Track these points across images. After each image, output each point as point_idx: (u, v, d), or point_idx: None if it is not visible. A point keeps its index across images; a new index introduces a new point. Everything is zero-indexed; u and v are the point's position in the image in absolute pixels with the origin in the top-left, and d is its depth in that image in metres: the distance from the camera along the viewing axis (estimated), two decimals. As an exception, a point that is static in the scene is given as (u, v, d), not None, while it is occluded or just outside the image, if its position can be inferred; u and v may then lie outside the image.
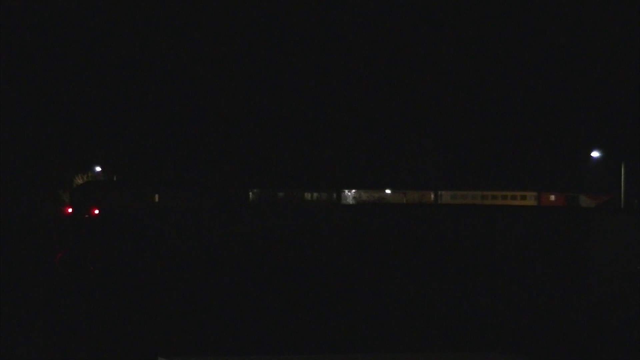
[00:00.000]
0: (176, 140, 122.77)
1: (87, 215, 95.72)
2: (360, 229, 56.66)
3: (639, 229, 39.06)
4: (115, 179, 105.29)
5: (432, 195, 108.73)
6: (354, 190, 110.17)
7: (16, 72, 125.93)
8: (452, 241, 47.61)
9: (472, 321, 30.12)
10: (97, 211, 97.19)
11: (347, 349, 24.09)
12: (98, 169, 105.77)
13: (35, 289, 37.54)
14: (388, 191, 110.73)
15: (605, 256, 38.34)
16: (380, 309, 33.11)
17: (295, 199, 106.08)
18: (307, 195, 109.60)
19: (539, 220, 46.13)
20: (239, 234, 72.90)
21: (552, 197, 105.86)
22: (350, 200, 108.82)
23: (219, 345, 24.96)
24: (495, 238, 45.45)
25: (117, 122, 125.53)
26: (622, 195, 60.26)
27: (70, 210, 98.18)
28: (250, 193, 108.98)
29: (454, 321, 30.15)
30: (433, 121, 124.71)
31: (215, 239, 70.21)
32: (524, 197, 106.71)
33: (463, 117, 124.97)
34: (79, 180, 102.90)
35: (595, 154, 71.63)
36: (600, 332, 28.89)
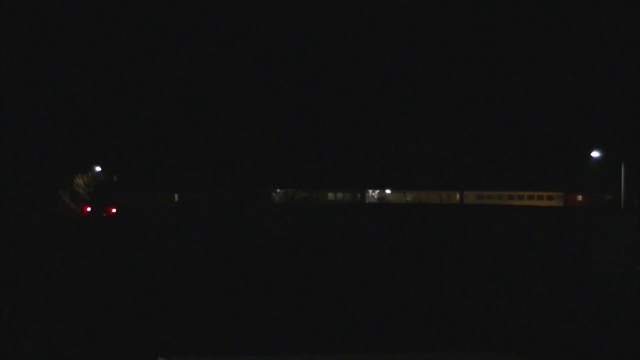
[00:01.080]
0: (198, 140, 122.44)
1: (104, 214, 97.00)
2: (360, 229, 56.67)
3: (639, 229, 39.05)
4: (115, 178, 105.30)
5: (458, 196, 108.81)
6: (377, 191, 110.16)
7: (16, 72, 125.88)
8: (452, 241, 47.60)
9: (472, 321, 30.13)
10: (114, 210, 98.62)
11: (347, 349, 24.10)
12: (98, 169, 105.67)
13: (35, 289, 37.54)
14: (388, 191, 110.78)
15: (605, 256, 38.34)
16: (381, 309, 33.11)
17: (319, 199, 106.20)
18: (331, 196, 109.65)
19: (540, 220, 46.13)
20: (239, 234, 72.90)
21: (580, 197, 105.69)
22: (374, 200, 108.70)
23: (219, 345, 24.97)
24: (495, 238, 45.45)
25: (120, 122, 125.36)
26: (622, 195, 60.25)
27: (89, 209, 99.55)
28: (273, 193, 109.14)
29: (454, 321, 30.15)
30: (454, 123, 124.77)
31: (216, 239, 70.20)
32: (550, 198, 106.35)
33: (483, 119, 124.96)
34: (79, 180, 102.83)
35: (595, 154, 71.65)
36: (600, 332, 28.90)
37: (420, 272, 44.18)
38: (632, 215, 44.56)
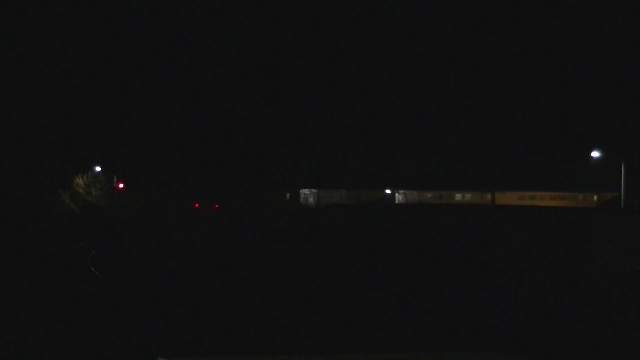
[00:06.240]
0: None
1: (209, 210, 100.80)
2: (359, 229, 56.70)
3: (639, 229, 39.04)
4: (115, 178, 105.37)
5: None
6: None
7: (16, 72, 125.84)
8: (452, 241, 47.61)
9: (472, 321, 30.13)
10: (217, 206, 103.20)
11: (347, 349, 24.11)
12: (98, 169, 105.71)
13: (35, 289, 37.58)
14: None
15: (605, 256, 38.35)
16: (380, 309, 33.13)
17: (445, 199, 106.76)
18: (459, 196, 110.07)
19: (539, 220, 46.12)
20: (240, 234, 72.96)
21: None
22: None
23: (219, 346, 24.98)
24: (495, 238, 45.46)
25: (120, 122, 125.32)
26: (622, 195, 60.19)
27: (197, 205, 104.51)
28: (397, 193, 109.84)
29: (454, 321, 30.16)
30: (467, 124, 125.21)
31: (215, 239, 70.23)
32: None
33: (501, 120, 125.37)
34: (79, 181, 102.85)
35: (595, 153, 71.63)
36: (600, 332, 28.91)
37: (420, 272, 44.20)
38: (632, 215, 44.48)
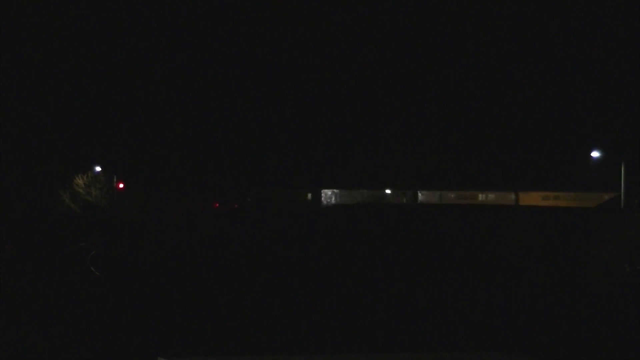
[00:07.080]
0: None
1: (229, 208, 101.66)
2: (359, 229, 56.73)
3: (639, 229, 39.04)
4: (115, 178, 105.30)
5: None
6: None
7: (17, 72, 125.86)
8: (452, 241, 47.62)
9: (472, 321, 30.13)
10: (236, 205, 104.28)
11: (347, 349, 24.11)
12: (98, 169, 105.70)
13: (35, 289, 37.58)
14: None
15: (605, 256, 38.35)
16: (380, 309, 33.13)
17: (467, 199, 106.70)
18: (481, 197, 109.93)
19: (539, 220, 46.13)
20: (241, 234, 72.96)
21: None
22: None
23: (219, 346, 24.98)
24: (495, 238, 45.47)
25: (120, 122, 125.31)
26: (622, 195, 60.16)
27: (217, 205, 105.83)
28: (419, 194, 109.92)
29: (454, 321, 30.16)
30: (470, 124, 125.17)
31: (213, 239, 70.24)
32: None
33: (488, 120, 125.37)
34: (79, 181, 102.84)
35: (595, 153, 71.60)
36: (600, 332, 28.91)
37: (420, 272, 44.20)
38: (632, 215, 44.48)
